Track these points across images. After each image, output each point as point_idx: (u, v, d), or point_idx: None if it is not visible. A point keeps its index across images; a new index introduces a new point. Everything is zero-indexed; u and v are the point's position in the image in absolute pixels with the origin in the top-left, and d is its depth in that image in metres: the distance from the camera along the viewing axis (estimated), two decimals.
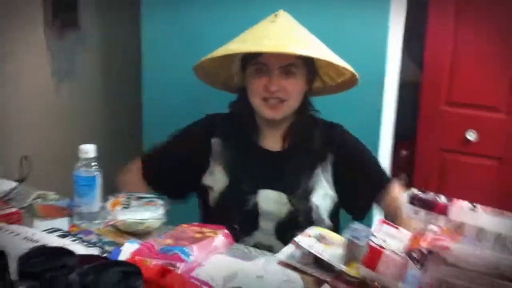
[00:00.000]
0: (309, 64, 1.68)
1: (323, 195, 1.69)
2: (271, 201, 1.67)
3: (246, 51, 1.64)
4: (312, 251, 1.24)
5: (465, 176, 3.00)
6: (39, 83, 2.46)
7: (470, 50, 2.90)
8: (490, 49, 2.85)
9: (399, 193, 1.66)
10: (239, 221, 1.56)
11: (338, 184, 1.73)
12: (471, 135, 2.96)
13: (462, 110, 2.97)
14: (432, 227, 1.15)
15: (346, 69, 1.71)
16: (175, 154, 1.81)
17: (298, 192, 1.67)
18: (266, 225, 1.67)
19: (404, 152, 3.28)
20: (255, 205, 1.67)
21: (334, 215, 1.75)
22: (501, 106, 2.88)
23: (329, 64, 1.73)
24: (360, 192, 1.75)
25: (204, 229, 1.45)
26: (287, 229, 1.59)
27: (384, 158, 2.24)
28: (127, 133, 2.87)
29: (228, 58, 1.73)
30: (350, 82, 1.78)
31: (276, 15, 1.70)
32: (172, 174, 1.79)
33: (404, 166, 3.27)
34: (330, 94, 1.87)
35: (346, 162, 1.73)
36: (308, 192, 1.67)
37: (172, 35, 2.38)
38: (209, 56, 1.67)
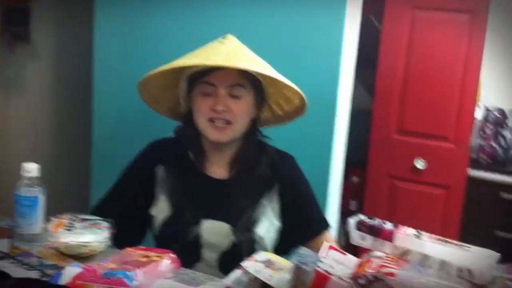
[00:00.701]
0: (257, 87, 1.66)
1: (267, 226, 1.66)
2: (214, 232, 1.62)
3: (192, 64, 1.60)
4: (259, 276, 1.22)
5: (414, 203, 3.06)
6: None
7: (421, 79, 2.97)
8: (441, 79, 2.93)
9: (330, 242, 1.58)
10: (180, 252, 1.48)
11: (282, 214, 1.70)
12: (419, 163, 3.01)
13: (411, 138, 3.03)
14: (378, 253, 1.15)
15: (295, 96, 1.70)
16: (124, 195, 1.74)
17: (242, 223, 1.62)
18: (209, 257, 1.63)
19: (355, 179, 3.32)
20: (198, 236, 1.62)
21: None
22: (450, 136, 2.95)
23: (278, 91, 1.73)
24: (295, 230, 1.70)
25: (150, 253, 1.42)
26: (230, 261, 1.50)
27: (335, 184, 2.25)
28: (75, 150, 2.81)
29: (174, 78, 1.70)
30: (299, 110, 1.76)
31: (224, 38, 1.68)
32: (126, 217, 1.69)
33: (355, 193, 3.30)
34: (279, 124, 1.84)
35: (289, 195, 1.70)
36: (252, 223, 1.63)
37: (125, 49, 2.36)
38: (155, 71, 1.63)
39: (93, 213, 1.69)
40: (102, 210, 1.70)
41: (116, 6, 2.37)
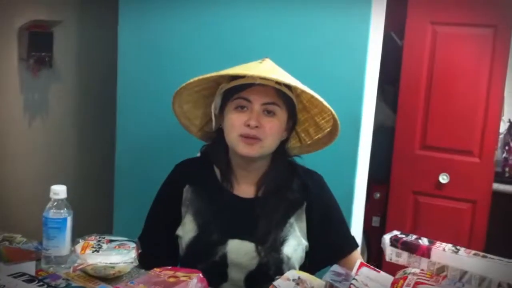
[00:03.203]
0: (291, 109, 1.65)
1: (295, 246, 1.63)
2: (240, 252, 1.60)
3: (234, 74, 1.59)
4: None
5: (438, 218, 3.02)
6: (12, 119, 2.43)
7: (444, 94, 2.95)
8: (464, 94, 2.91)
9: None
10: (206, 272, 1.43)
11: (310, 234, 1.67)
12: (444, 179, 2.98)
13: (435, 153, 3.00)
14: (413, 269, 1.12)
15: (328, 123, 1.70)
16: (159, 221, 1.74)
17: (269, 243, 1.60)
18: (236, 277, 1.60)
19: (378, 195, 3.28)
20: (224, 256, 1.60)
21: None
22: (475, 150, 2.92)
23: (310, 118, 1.73)
24: (324, 250, 1.67)
25: (178, 273, 1.40)
26: (257, 281, 1.52)
27: (359, 200, 2.22)
28: (99, 172, 2.82)
29: (207, 96, 1.71)
30: (327, 138, 1.76)
31: (263, 60, 1.68)
32: (165, 243, 1.71)
33: (378, 209, 3.26)
34: (305, 153, 1.82)
35: (318, 214, 1.68)
36: (280, 243, 1.61)
37: (149, 73, 2.37)
38: (194, 79, 1.62)
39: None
40: (144, 241, 1.62)
41: (140, 30, 2.37)
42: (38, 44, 2.48)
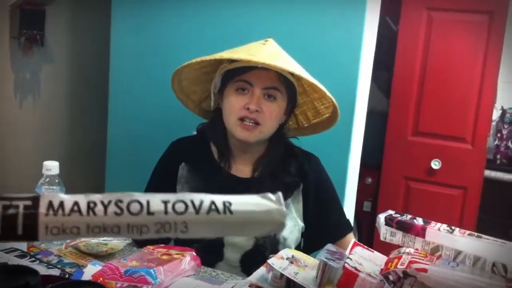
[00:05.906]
0: (291, 94, 1.64)
1: (291, 227, 1.64)
2: None
3: (238, 58, 1.57)
4: (285, 273, 1.20)
5: (429, 204, 3.03)
6: (3, 98, 2.40)
7: (438, 81, 2.95)
8: (458, 81, 2.91)
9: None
10: (202, 251, 1.44)
11: (306, 215, 1.68)
12: (436, 165, 2.99)
13: (428, 139, 3.01)
14: (407, 249, 1.12)
15: (327, 109, 1.70)
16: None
17: None
18: (231, 257, 1.61)
19: (369, 180, 3.29)
20: None
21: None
22: (467, 137, 2.93)
23: (309, 102, 1.73)
24: (319, 232, 1.68)
25: (171, 251, 1.40)
26: (253, 261, 1.48)
27: (351, 184, 2.22)
28: (91, 150, 2.81)
29: (208, 73, 1.69)
30: (325, 124, 1.76)
31: (266, 40, 1.66)
32: None
33: (369, 193, 3.27)
34: (302, 135, 1.82)
35: (314, 196, 1.68)
36: None
37: (142, 52, 2.35)
38: (195, 59, 1.60)
39: None
40: None
41: (133, 10, 2.36)
42: (29, 22, 2.44)
